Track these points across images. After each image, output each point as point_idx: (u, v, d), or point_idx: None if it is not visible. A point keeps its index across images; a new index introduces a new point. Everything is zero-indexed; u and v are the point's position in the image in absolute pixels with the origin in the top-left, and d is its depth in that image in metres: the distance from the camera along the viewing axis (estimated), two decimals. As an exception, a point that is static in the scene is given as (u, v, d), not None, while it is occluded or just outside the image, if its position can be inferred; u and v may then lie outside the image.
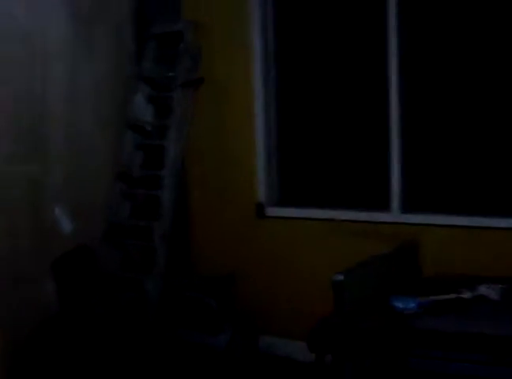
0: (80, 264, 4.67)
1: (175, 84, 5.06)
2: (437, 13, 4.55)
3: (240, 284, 5.07)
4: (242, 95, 5.11)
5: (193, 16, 5.17)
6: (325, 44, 4.98)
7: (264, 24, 5.06)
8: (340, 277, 3.34)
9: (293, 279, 4.97)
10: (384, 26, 4.62)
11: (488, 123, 4.45)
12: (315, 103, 5.06)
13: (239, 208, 5.19)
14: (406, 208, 4.66)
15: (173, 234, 5.06)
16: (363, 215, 4.74)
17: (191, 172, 5.36)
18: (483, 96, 4.45)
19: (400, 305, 3.58)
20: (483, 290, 3.83)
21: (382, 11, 4.63)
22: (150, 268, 4.84)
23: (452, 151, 4.58)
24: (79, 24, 4.96)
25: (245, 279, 5.09)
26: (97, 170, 5.10)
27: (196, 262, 5.38)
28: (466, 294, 3.75)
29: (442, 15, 4.54)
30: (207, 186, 5.34)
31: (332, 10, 4.93)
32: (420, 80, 4.64)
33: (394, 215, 4.66)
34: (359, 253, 3.93)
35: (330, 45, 4.96)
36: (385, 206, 4.71)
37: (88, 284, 4.68)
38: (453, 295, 3.71)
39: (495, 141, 4.44)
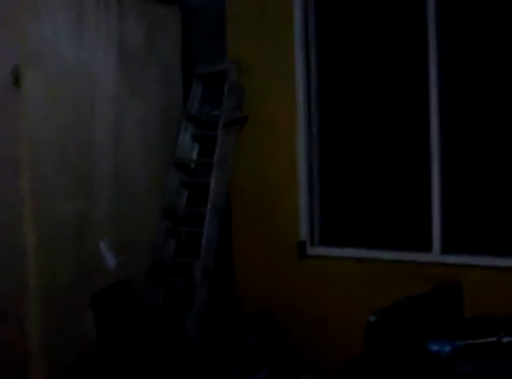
0: (120, 299, 4.73)
1: (220, 122, 5.14)
2: (478, 23, 4.54)
3: (282, 322, 5.07)
4: (285, 133, 5.16)
5: (237, 56, 5.27)
6: (367, 83, 5.01)
7: (307, 63, 5.12)
8: (372, 318, 3.32)
9: (334, 318, 4.94)
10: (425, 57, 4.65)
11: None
12: (358, 143, 5.08)
13: (281, 246, 5.20)
14: (447, 248, 4.62)
15: (217, 271, 5.11)
16: (404, 256, 4.71)
17: (235, 210, 5.41)
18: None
19: (435, 347, 3.52)
20: (522, 334, 3.76)
21: (421, 31, 4.65)
22: (192, 305, 4.87)
23: (494, 191, 4.54)
24: (129, 66, 5.10)
25: (287, 317, 5.08)
26: (142, 207, 5.18)
27: (240, 299, 5.40)
28: (505, 339, 3.69)
29: (484, 25, 4.52)
30: (250, 224, 5.37)
31: (374, 48, 4.97)
32: (462, 115, 4.62)
33: (435, 255, 4.62)
34: (401, 294, 3.91)
35: (373, 84, 4.98)
36: (426, 246, 4.67)
37: (128, 320, 4.73)
38: (491, 339, 3.65)
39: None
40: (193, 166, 5.35)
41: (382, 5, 4.91)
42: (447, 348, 3.52)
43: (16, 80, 4.39)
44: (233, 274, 5.44)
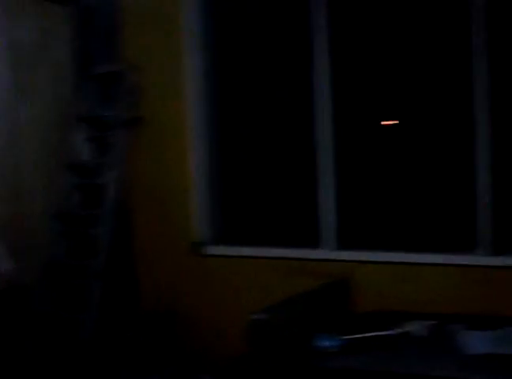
0: (10, 304, 4.62)
1: (114, 123, 5.08)
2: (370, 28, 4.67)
3: (184, 322, 5.06)
4: (180, 133, 5.12)
5: (132, 56, 5.19)
6: (260, 84, 5.05)
7: (201, 62, 5.12)
8: (254, 316, 3.32)
9: (230, 316, 4.91)
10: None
11: (421, 162, 4.51)
12: (252, 141, 5.11)
13: (180, 247, 5.17)
14: (339, 245, 4.69)
15: (121, 271, 5.07)
16: (298, 253, 4.75)
17: (137, 210, 5.34)
18: (417, 135, 4.53)
19: (322, 343, 3.55)
20: (410, 327, 3.82)
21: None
22: (85, 307, 4.80)
23: (385, 188, 4.63)
24: (19, 67, 4.97)
25: (188, 316, 5.07)
26: (37, 210, 5.07)
27: (143, 300, 5.31)
28: (392, 331, 3.74)
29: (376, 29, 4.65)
30: (151, 225, 5.30)
31: (268, 42, 5.00)
32: (352, 114, 4.72)
33: (328, 252, 4.68)
34: (296, 291, 3.94)
35: (266, 84, 5.03)
36: (318, 243, 4.73)
37: (18, 325, 4.62)
38: (378, 333, 3.70)
39: (428, 180, 4.51)
40: (87, 167, 5.26)
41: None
42: (334, 343, 3.55)
43: None
44: (136, 274, 5.38)
